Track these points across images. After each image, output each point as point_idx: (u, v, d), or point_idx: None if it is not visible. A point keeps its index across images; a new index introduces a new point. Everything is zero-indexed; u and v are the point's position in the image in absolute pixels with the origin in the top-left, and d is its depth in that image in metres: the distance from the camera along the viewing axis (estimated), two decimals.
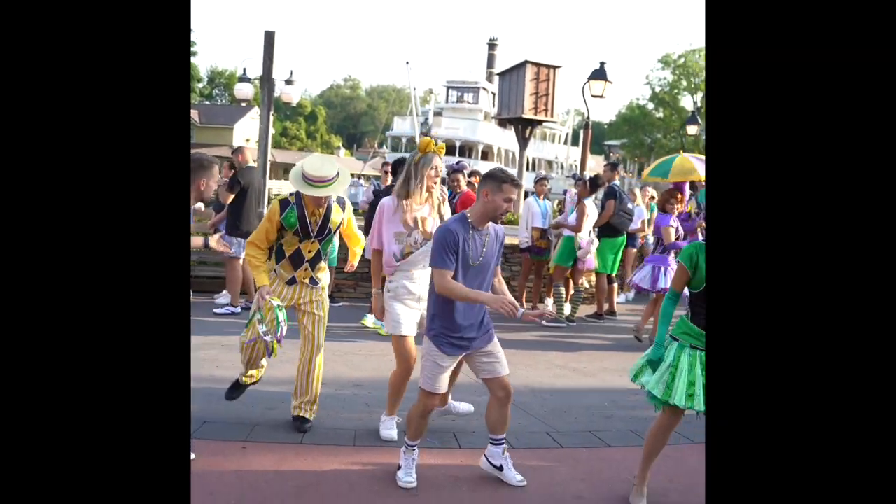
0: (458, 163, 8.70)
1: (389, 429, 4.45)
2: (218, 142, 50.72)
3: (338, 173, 4.13)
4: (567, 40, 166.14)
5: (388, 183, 7.82)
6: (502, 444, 3.86)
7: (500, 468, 3.85)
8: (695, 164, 8.14)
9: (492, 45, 62.81)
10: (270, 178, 11.82)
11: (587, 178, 8.68)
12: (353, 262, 4.86)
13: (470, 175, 8.06)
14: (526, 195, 13.92)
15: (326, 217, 4.25)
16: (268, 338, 4.09)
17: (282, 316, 4.12)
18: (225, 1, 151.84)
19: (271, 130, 11.03)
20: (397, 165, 7.31)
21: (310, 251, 4.28)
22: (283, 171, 50.77)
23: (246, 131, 52.01)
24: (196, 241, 4.01)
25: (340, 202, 4.37)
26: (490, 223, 3.67)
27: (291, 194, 4.27)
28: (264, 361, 4.45)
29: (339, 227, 4.37)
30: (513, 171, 3.69)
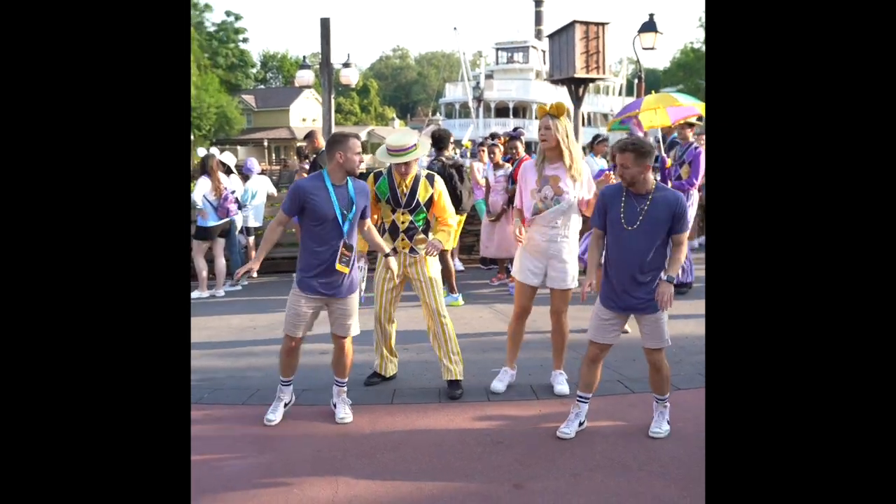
0: (515, 129, 8.88)
1: (501, 380, 4.80)
2: (275, 124, 51.72)
3: (416, 143, 4.54)
4: None
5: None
6: (663, 401, 4.14)
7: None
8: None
9: (538, 2, 61.92)
10: None
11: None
12: (441, 239, 4.65)
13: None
14: (585, 152, 13.94)
15: (414, 189, 4.62)
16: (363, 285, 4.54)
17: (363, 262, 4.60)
18: None
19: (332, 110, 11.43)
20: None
21: (402, 222, 4.66)
22: None
23: (302, 111, 52.82)
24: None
25: (430, 178, 4.69)
26: (656, 190, 3.85)
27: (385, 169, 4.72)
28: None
29: (429, 201, 4.67)
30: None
